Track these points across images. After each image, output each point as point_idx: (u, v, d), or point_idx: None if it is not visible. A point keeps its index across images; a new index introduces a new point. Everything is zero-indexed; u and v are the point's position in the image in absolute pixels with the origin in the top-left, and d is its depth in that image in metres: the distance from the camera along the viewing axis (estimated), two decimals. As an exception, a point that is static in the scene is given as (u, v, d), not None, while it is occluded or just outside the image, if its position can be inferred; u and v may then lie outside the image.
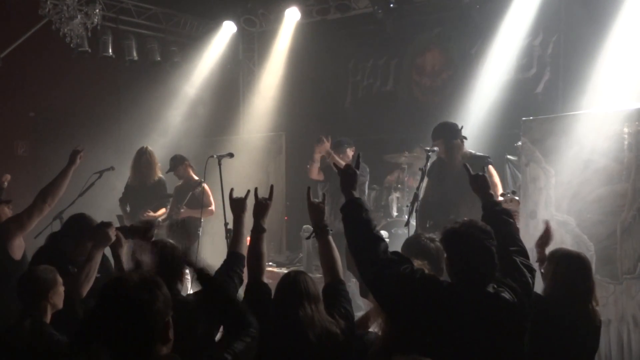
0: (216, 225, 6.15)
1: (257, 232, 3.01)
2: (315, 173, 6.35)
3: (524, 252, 2.78)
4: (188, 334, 2.31)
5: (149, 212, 6.25)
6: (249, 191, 3.22)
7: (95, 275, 3.30)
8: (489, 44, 7.01)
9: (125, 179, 6.60)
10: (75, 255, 3.51)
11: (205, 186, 6.30)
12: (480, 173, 3.18)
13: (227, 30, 8.71)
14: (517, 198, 4.73)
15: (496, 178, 5.07)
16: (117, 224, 3.49)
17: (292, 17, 8.27)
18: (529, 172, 4.74)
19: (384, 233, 5.86)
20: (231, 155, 5.77)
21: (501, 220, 2.87)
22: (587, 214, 4.38)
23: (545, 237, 3.43)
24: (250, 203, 3.16)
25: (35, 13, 6.87)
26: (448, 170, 5.14)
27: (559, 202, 4.53)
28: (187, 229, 6.01)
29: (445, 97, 7.61)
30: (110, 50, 7.94)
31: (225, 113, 9.19)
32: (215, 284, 2.33)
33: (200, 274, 2.25)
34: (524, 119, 4.85)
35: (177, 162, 6.57)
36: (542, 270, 3.17)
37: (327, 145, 6.10)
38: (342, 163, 4.42)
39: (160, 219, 6.27)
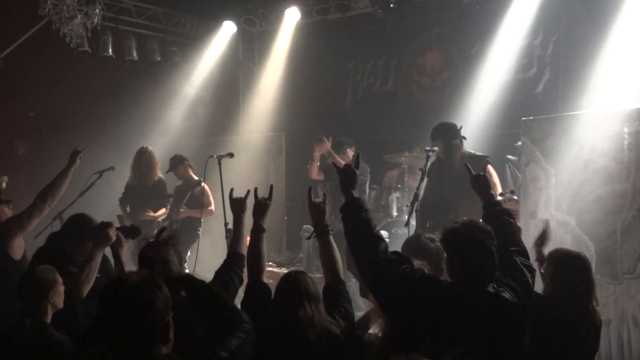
0: (216, 225, 6.15)
1: (257, 232, 3.02)
2: (315, 173, 6.35)
3: (524, 252, 2.79)
4: (188, 334, 2.31)
5: (149, 212, 6.25)
6: (248, 191, 3.22)
7: (95, 275, 3.31)
8: (489, 44, 7.00)
9: (125, 179, 6.60)
10: (75, 255, 3.52)
11: (205, 186, 6.30)
12: (481, 173, 3.19)
13: (227, 30, 8.70)
14: (515, 197, 4.73)
15: (495, 178, 5.07)
16: (117, 224, 3.50)
17: (292, 17, 8.26)
18: (529, 172, 4.73)
19: (384, 233, 5.86)
20: (231, 155, 5.77)
21: (502, 220, 2.88)
22: (587, 213, 4.37)
23: (543, 236, 3.45)
24: (250, 203, 3.16)
25: (35, 13, 6.85)
26: (447, 170, 5.15)
27: (559, 202, 4.53)
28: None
29: (445, 97, 7.61)
30: (110, 50, 7.93)
31: (225, 113, 9.18)
32: (201, 286, 2.35)
33: (185, 281, 2.28)
34: (524, 119, 4.84)
35: (177, 162, 6.57)
36: (542, 270, 3.18)
37: (327, 144, 6.09)
38: (342, 163, 4.41)
39: (160, 219, 6.29)
